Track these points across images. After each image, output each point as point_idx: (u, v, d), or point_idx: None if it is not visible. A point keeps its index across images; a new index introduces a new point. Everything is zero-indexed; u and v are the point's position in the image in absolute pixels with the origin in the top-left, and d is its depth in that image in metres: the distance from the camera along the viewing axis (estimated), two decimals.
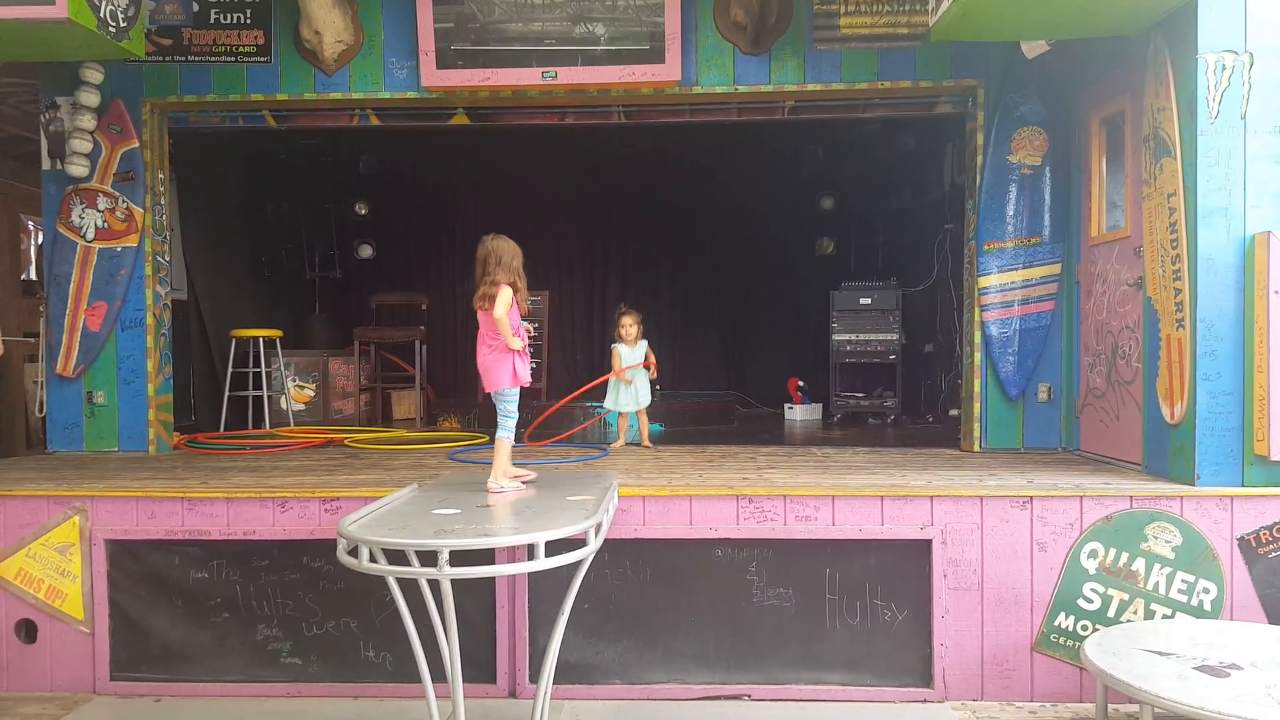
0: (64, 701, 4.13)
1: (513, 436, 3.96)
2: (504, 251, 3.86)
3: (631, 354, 5.85)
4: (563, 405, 6.53)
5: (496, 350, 3.89)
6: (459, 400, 8.33)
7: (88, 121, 5.66)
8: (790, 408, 8.46)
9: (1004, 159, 5.51)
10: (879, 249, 9.27)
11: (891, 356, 8.02)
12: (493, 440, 3.99)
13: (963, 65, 5.51)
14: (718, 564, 4.14)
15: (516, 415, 3.95)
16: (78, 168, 5.69)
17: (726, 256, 9.79)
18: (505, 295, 3.81)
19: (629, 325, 5.84)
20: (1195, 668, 3.35)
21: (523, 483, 3.99)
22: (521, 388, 3.96)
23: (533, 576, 4.09)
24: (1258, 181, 4.14)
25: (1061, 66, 5.35)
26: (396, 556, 3.09)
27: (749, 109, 5.90)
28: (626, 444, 5.90)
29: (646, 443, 5.91)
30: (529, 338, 4.03)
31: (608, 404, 5.95)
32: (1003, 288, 5.52)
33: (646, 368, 5.87)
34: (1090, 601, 4.05)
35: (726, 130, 7.08)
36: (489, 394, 4.00)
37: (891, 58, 5.52)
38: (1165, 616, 4.02)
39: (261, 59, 5.78)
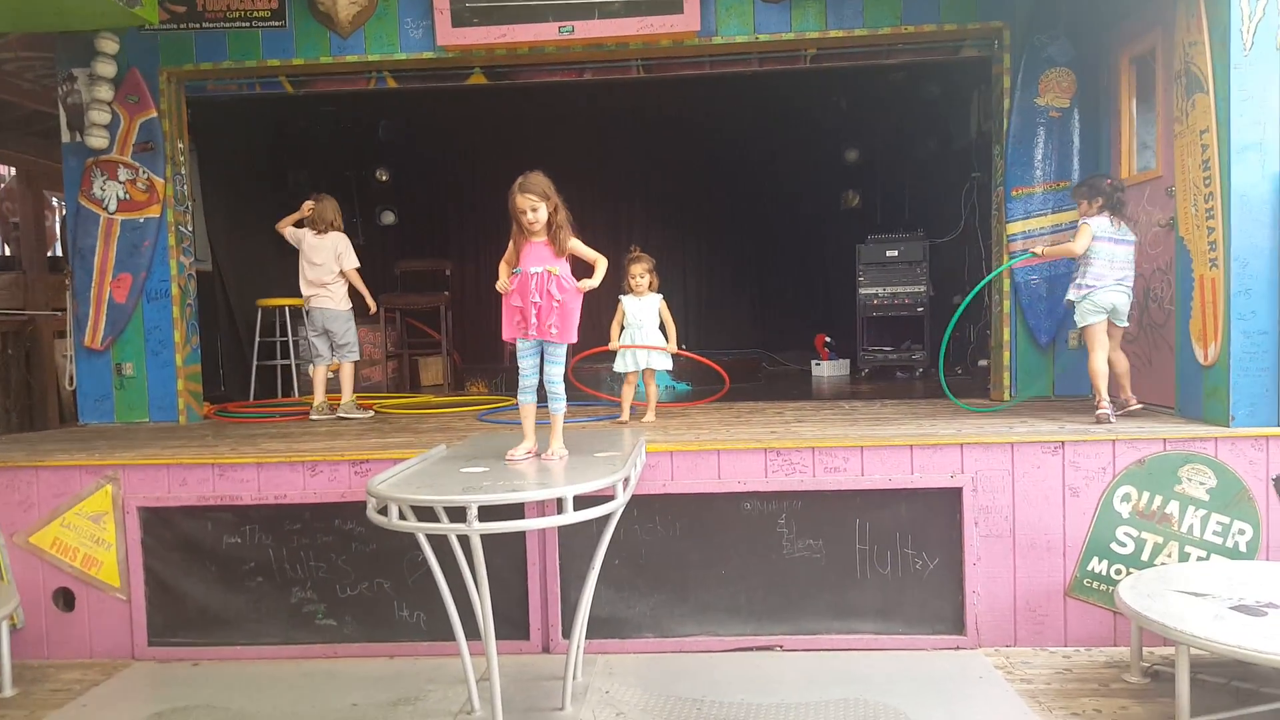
0: (103, 667, 4.20)
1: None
2: None
3: (638, 307, 5.09)
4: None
5: None
6: (485, 365, 8.35)
7: (105, 92, 5.67)
8: (817, 364, 8.41)
9: (1031, 102, 5.40)
10: (905, 200, 9.15)
11: (919, 309, 7.94)
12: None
13: (988, 6, 5.39)
14: (747, 517, 4.13)
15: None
16: (97, 139, 5.70)
17: (750, 212, 9.70)
18: None
19: (639, 274, 5.06)
20: (1232, 607, 3.31)
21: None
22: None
23: (563, 533, 4.10)
24: None
25: (1089, 4, 5.21)
26: (426, 515, 3.10)
27: (770, 59, 5.80)
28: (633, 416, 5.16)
29: (648, 415, 5.13)
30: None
31: (615, 365, 5.21)
32: (1031, 234, 5.42)
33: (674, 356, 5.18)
34: (1124, 545, 4.01)
35: (747, 82, 6.95)
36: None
37: (915, 1, 5.39)
38: (1200, 559, 3.97)
39: (276, 23, 5.74)
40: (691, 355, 5.51)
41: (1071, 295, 4.62)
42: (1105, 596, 3.99)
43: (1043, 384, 5.48)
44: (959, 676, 3.78)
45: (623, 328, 5.13)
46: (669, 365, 5.21)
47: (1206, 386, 4.23)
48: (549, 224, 3.64)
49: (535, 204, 3.60)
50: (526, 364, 3.65)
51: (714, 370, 5.85)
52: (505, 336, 3.71)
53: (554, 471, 3.37)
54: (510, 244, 3.71)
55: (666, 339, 5.13)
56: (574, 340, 3.69)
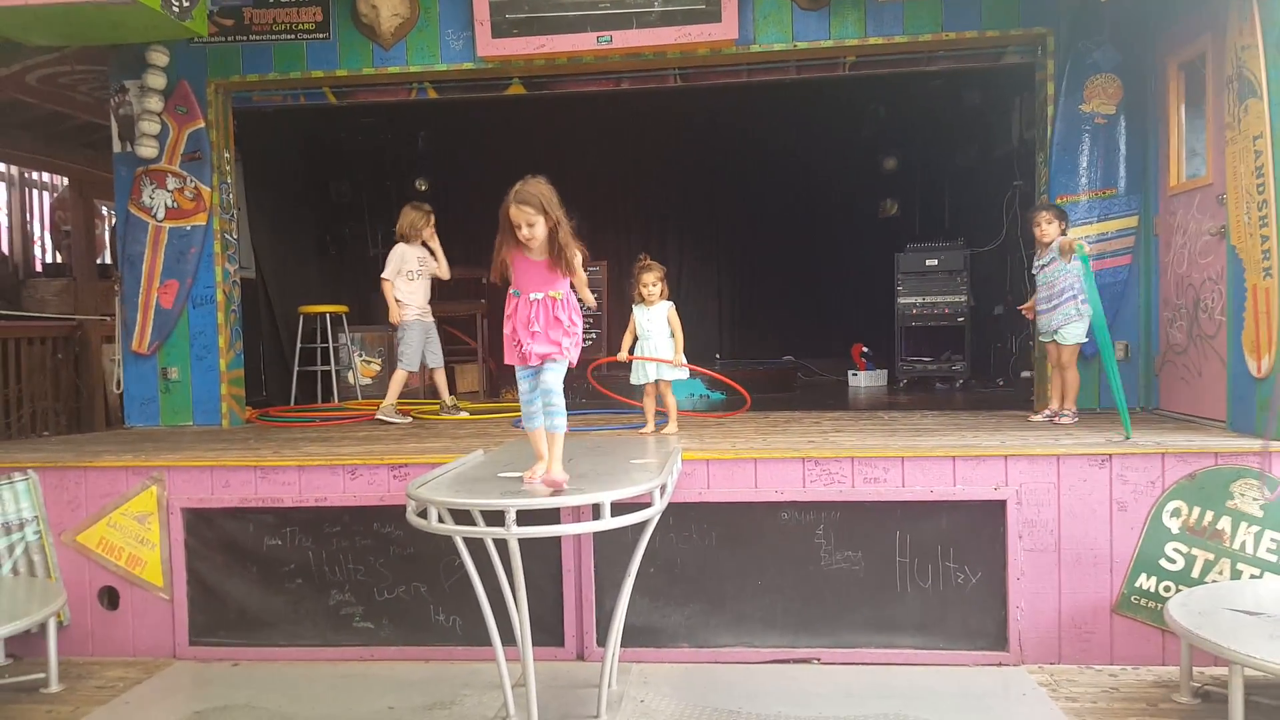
0: (146, 665, 4.26)
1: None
2: None
3: (647, 316, 4.82)
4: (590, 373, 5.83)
5: None
6: None
7: (155, 103, 5.79)
8: (854, 374, 8.33)
9: (1076, 109, 5.31)
10: (945, 209, 9.04)
11: (959, 319, 7.83)
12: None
13: (1031, 12, 5.32)
14: (784, 527, 4.09)
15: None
16: (147, 149, 5.82)
17: (786, 220, 9.63)
18: None
19: (651, 283, 4.79)
20: None
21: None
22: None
23: (598, 540, 4.09)
24: None
25: (1136, 9, 5.12)
26: (464, 519, 3.10)
27: (808, 66, 5.77)
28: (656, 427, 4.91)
29: (670, 427, 4.86)
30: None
31: (631, 378, 4.99)
32: None
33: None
34: (1173, 562, 3.91)
35: (785, 90, 6.92)
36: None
37: (956, 7, 5.34)
38: (1253, 577, 3.86)
39: (320, 35, 5.83)
40: (700, 370, 5.26)
41: (1082, 311, 4.81)
42: (1154, 614, 3.89)
43: (1088, 395, 5.37)
44: (1002, 694, 3.71)
45: (636, 338, 4.89)
46: (681, 375, 4.95)
47: (1260, 399, 4.11)
48: (550, 243, 3.12)
49: (531, 218, 3.07)
50: (526, 385, 3.18)
51: (746, 378, 5.77)
52: (507, 361, 3.26)
53: (590, 478, 3.36)
54: (498, 254, 3.17)
55: (675, 348, 4.85)
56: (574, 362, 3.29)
